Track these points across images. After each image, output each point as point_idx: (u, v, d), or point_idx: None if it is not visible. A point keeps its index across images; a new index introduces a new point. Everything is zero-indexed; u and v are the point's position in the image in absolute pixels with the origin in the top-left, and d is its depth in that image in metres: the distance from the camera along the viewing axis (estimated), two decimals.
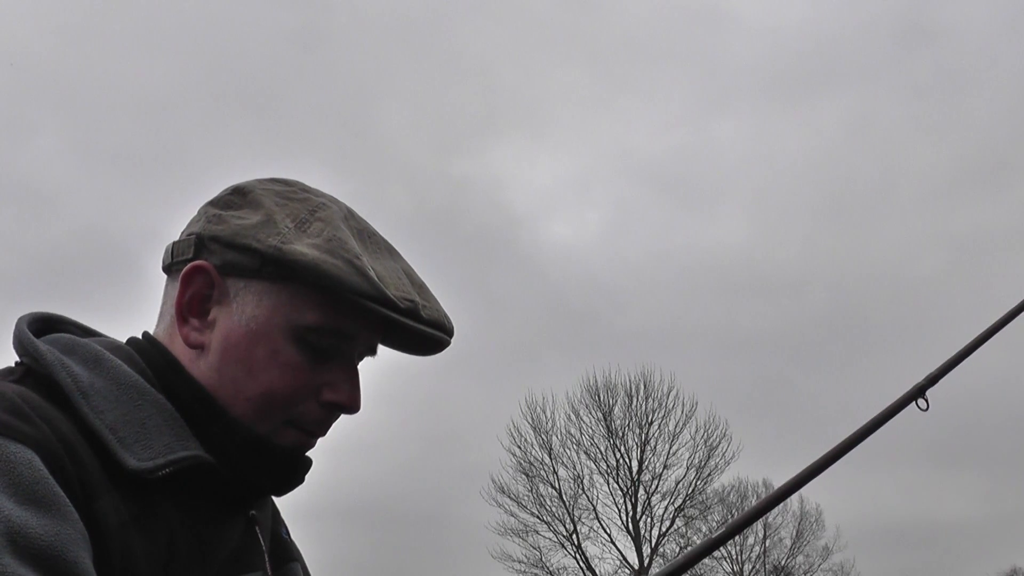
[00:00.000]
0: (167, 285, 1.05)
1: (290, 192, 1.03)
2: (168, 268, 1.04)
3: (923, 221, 38.95)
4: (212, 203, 1.04)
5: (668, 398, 26.09)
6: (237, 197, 1.03)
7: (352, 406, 1.01)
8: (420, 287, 1.04)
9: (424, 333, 1.01)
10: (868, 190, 38.63)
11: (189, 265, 1.00)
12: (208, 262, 0.99)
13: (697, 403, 25.91)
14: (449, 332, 1.04)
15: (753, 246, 37.06)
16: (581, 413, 26.10)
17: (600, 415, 26.13)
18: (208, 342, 0.99)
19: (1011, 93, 38.44)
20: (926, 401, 1.73)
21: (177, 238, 1.05)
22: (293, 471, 1.02)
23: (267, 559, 1.04)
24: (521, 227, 38.61)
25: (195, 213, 1.06)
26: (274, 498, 1.14)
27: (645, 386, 26.20)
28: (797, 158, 39.28)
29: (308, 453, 1.04)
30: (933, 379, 1.78)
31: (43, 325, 1.01)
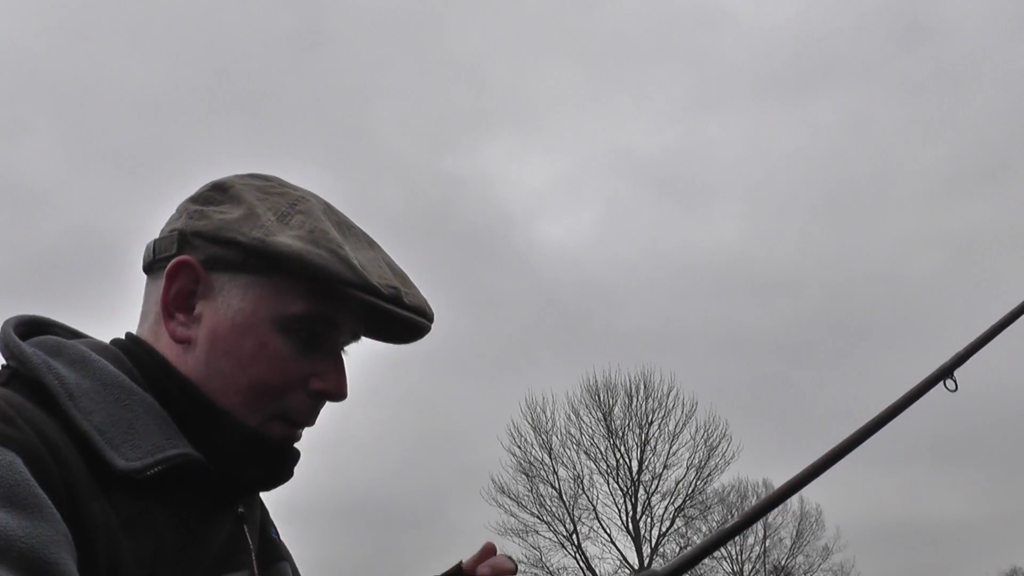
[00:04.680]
0: (148, 285, 1.05)
1: (270, 187, 1.05)
2: (150, 266, 1.04)
3: (919, 220, 38.98)
4: (192, 200, 1.05)
5: (668, 398, 26.13)
6: (217, 193, 1.04)
7: (340, 394, 1.03)
8: (401, 276, 1.06)
9: (407, 319, 1.03)
10: (864, 188, 38.67)
11: (174, 260, 1.00)
12: (192, 257, 1.00)
13: (697, 403, 25.95)
14: (430, 318, 1.06)
15: (749, 245, 37.08)
16: (581, 413, 26.15)
17: (600, 415, 26.16)
18: (195, 337, 0.99)
19: (1008, 92, 38.51)
20: (954, 382, 1.64)
21: (157, 236, 1.05)
22: (283, 464, 1.02)
23: (254, 558, 1.04)
24: (514, 225, 38.64)
25: (173, 211, 1.06)
26: (264, 496, 1.13)
27: (645, 386, 26.24)
28: (793, 156, 39.33)
29: (294, 450, 1.04)
30: (960, 358, 1.69)
31: (29, 328, 1.01)
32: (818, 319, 36.01)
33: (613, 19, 40.95)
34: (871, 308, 35.95)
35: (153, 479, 0.90)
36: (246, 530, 1.04)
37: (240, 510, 1.04)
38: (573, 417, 26.18)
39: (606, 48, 41.66)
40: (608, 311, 35.99)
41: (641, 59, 42.11)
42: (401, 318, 1.02)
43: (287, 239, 0.97)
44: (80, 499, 0.84)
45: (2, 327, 0.98)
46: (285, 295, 0.98)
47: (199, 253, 0.99)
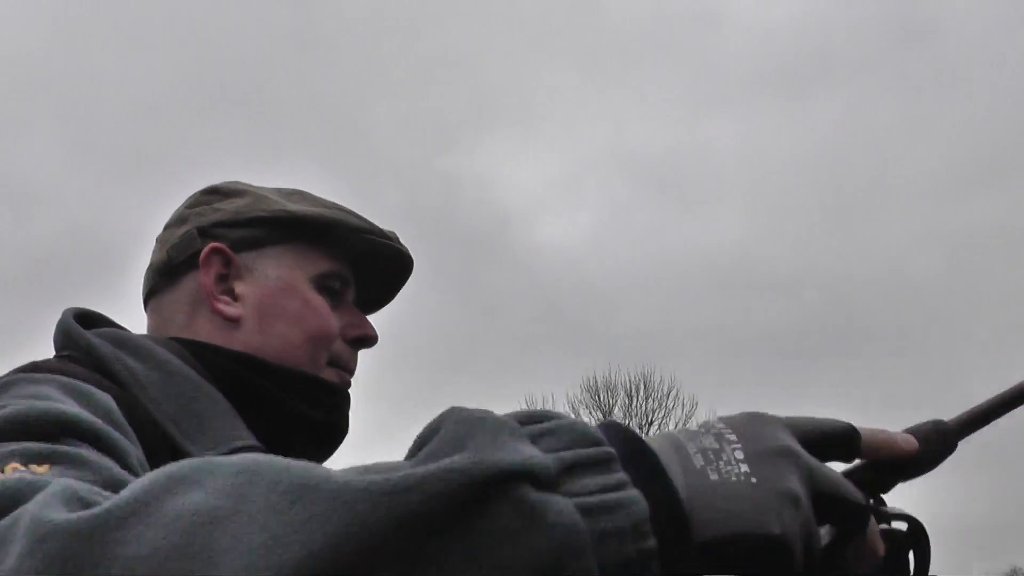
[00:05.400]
0: (163, 296, 1.07)
1: (251, 183, 1.14)
2: (169, 272, 1.07)
3: (919, 219, 38.84)
4: (190, 206, 1.11)
5: (668, 398, 26.11)
6: (213, 195, 1.11)
7: (375, 336, 1.12)
8: None
9: (409, 256, 1.14)
10: (864, 188, 38.56)
11: (206, 248, 1.05)
12: (220, 244, 1.05)
13: (697, 403, 25.88)
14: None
15: (749, 245, 36.98)
16: (581, 413, 26.12)
17: (600, 415, 26.13)
18: (243, 314, 1.04)
19: (1008, 91, 38.51)
20: None
21: (154, 258, 1.09)
22: (349, 407, 1.09)
23: None
24: (514, 225, 38.47)
25: (161, 231, 1.11)
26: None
27: (645, 386, 26.23)
28: (792, 156, 39.20)
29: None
30: None
31: (82, 321, 1.00)
32: (818, 319, 35.98)
33: (611, 19, 40.95)
34: (871, 308, 35.95)
35: None
36: None
37: None
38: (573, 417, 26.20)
39: (606, 48, 41.66)
40: (608, 311, 35.96)
41: (640, 59, 42.16)
42: (406, 255, 1.14)
43: (304, 207, 1.08)
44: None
45: (62, 316, 0.99)
46: (311, 257, 1.08)
47: (223, 240, 1.06)
